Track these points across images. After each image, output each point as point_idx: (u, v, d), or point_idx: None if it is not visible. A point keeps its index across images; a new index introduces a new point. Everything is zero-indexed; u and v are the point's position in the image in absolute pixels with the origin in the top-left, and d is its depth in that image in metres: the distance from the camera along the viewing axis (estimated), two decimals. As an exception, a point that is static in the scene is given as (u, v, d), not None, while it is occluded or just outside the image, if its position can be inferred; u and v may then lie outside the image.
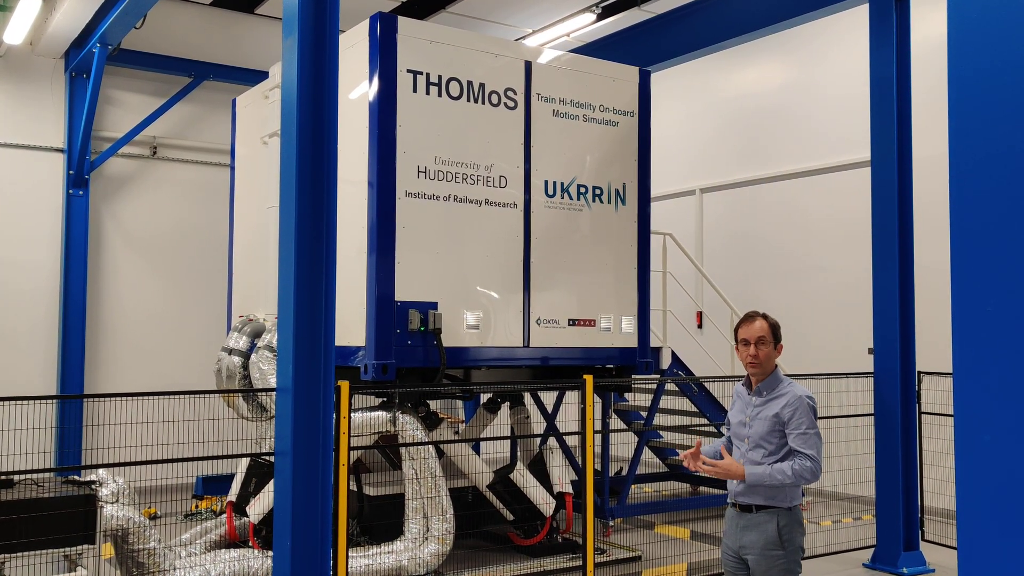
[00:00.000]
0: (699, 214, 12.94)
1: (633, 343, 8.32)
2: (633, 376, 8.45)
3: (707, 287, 11.65)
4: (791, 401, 4.37)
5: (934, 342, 8.60)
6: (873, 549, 7.67)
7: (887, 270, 7.70)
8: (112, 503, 6.31)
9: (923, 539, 7.84)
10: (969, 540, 2.20)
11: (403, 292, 6.99)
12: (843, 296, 10.56)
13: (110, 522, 6.21)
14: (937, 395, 8.53)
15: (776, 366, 4.56)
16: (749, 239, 12.13)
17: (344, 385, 5.33)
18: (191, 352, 10.79)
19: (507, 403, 8.73)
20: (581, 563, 6.45)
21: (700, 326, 12.24)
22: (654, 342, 8.78)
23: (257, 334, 8.04)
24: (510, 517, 7.82)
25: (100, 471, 6.63)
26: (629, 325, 8.29)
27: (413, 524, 7.12)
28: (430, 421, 7.66)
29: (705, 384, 9.69)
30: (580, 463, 6.55)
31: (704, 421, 9.82)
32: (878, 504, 7.65)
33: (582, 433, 6.45)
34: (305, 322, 4.85)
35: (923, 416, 8.04)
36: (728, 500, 4.63)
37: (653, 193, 8.58)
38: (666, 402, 9.90)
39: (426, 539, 7.07)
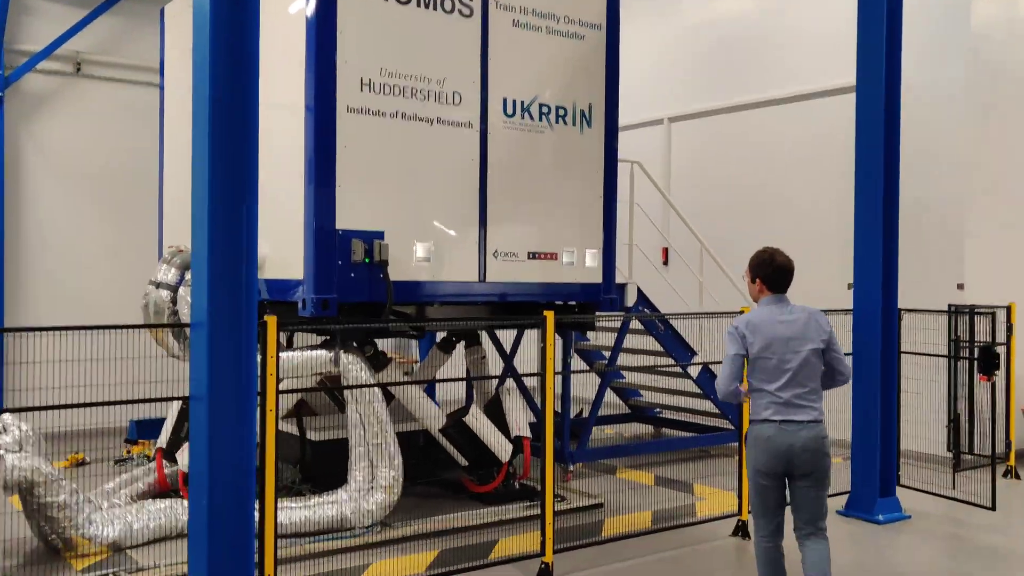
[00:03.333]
0: (667, 145, 12.33)
1: (597, 279, 7.77)
2: (597, 313, 7.91)
3: (674, 222, 11.09)
4: None
5: (913, 279, 8.17)
6: (847, 496, 7.30)
7: (870, 202, 7.21)
8: (15, 452, 5.65)
9: (898, 484, 7.47)
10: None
11: (345, 220, 6.32)
12: (820, 229, 10.08)
13: (13, 473, 5.56)
14: (915, 334, 8.13)
15: (763, 298, 4.90)
16: (720, 172, 11.57)
17: (271, 320, 4.68)
18: (120, 286, 9.92)
19: (462, 342, 8.16)
20: (539, 511, 5.94)
21: (666, 263, 11.73)
22: (619, 278, 8.23)
23: (187, 266, 7.34)
24: (464, 463, 7.32)
25: (5, 416, 5.96)
26: (593, 259, 7.73)
27: (357, 472, 6.56)
28: (377, 362, 7.06)
29: (672, 322, 9.20)
30: (539, 405, 6.01)
31: (670, 361, 9.35)
32: (854, 448, 7.25)
33: (542, 374, 5.90)
34: (222, 247, 4.18)
35: (901, 356, 7.62)
36: None
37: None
38: (629, 341, 9.40)
39: (371, 488, 6.52)
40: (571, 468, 8.30)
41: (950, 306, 8.95)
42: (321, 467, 7.19)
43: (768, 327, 4.71)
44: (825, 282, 9.41)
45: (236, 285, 4.22)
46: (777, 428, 4.64)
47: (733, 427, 9.42)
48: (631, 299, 8.83)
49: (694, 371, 9.29)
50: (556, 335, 6.10)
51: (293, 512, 6.34)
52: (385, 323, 6.39)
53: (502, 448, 7.32)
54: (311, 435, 7.42)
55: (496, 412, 7.69)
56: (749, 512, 4.80)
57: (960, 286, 9.22)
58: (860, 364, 7.15)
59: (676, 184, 12.03)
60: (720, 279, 9.96)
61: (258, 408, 4.68)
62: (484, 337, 8.52)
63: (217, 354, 4.17)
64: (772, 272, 4.82)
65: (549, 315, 5.86)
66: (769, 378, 4.68)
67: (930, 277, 9.05)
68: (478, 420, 7.30)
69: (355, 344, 6.90)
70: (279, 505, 6.36)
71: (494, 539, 6.51)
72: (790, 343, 4.69)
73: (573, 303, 7.86)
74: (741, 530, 6.61)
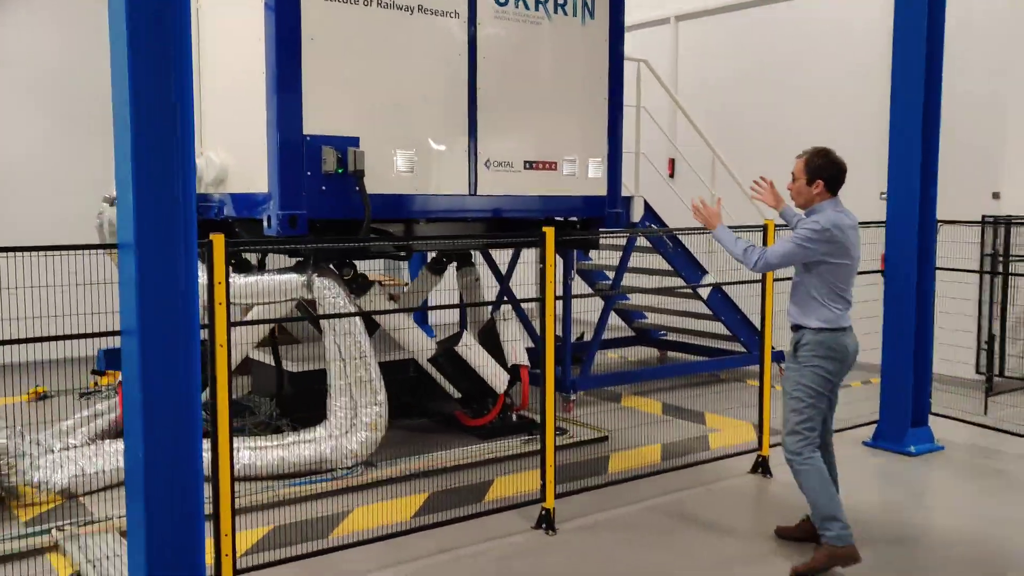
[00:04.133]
0: (673, 47, 11.38)
1: (601, 191, 7.00)
2: (601, 230, 7.17)
3: (682, 131, 10.26)
4: (803, 221, 4.65)
5: (941, 186, 7.43)
6: (875, 426, 6.69)
7: (909, 103, 6.41)
8: (-58, 393, 4.98)
9: (930, 412, 6.85)
10: None
11: (314, 124, 5.51)
12: (846, 135, 9.21)
13: (-62, 417, 4.92)
14: (943, 247, 7.41)
15: (822, 202, 4.63)
16: (733, 76, 10.67)
17: (217, 239, 3.95)
18: (77, 203, 9.08)
19: (453, 264, 7.45)
20: (539, 446, 5.32)
21: (672, 175, 10.93)
22: (623, 191, 7.45)
23: (143, 181, 6.54)
24: (457, 395, 6.70)
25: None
26: (597, 170, 6.95)
27: (338, 409, 5.92)
28: (357, 286, 6.35)
29: (682, 239, 8.48)
30: (539, 330, 5.33)
31: (680, 282, 8.66)
32: (884, 375, 6.61)
33: (541, 297, 5.20)
34: (150, 148, 3.42)
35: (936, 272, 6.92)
36: None
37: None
38: (635, 260, 8.68)
39: (354, 426, 5.89)
40: (573, 397, 7.69)
41: (984, 217, 8.22)
42: (301, 401, 6.56)
43: (847, 232, 4.56)
44: (854, 192, 8.65)
45: (170, 196, 3.47)
46: (850, 335, 4.61)
47: (746, 350, 8.80)
48: (638, 214, 8.07)
49: (705, 292, 8.61)
50: (556, 254, 5.39)
51: (266, 452, 5.73)
52: (362, 242, 5.65)
53: (498, 378, 6.69)
54: (289, 365, 6.78)
55: (491, 339, 7.04)
56: (802, 427, 4.51)
57: (996, 195, 8.47)
58: (893, 282, 6.46)
59: (683, 91, 11.12)
60: (733, 191, 9.18)
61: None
62: (478, 258, 7.82)
63: (148, 280, 3.45)
64: (836, 172, 4.63)
65: (549, 231, 5.13)
66: (846, 284, 4.59)
67: (961, 185, 8.27)
68: (471, 348, 6.65)
69: (331, 267, 6.19)
70: (252, 445, 5.77)
71: (490, 478, 5.91)
72: (857, 249, 4.64)
73: (575, 219, 7.12)
74: (761, 467, 6.01)
